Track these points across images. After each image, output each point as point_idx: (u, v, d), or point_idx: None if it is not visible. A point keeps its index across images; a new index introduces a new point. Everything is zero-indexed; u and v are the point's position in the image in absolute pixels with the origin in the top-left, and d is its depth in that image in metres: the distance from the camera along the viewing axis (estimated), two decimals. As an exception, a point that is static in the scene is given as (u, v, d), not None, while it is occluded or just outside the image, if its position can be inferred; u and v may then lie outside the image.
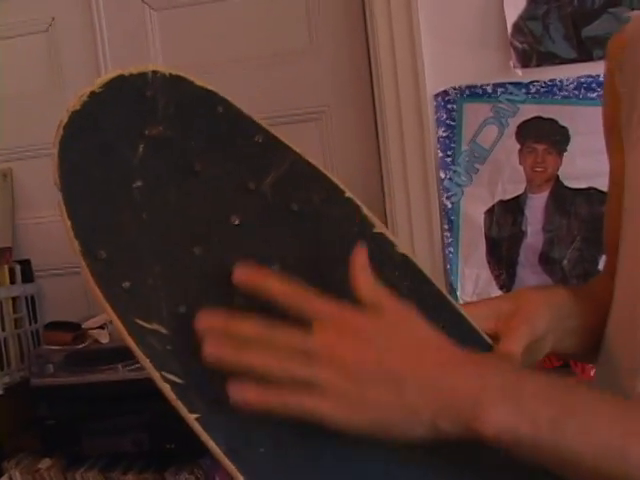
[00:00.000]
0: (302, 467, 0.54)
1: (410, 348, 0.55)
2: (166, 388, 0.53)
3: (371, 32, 1.85)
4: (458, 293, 1.79)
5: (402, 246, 0.62)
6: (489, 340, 0.64)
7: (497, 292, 1.79)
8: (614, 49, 0.80)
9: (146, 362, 0.53)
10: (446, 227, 1.82)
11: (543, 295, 0.75)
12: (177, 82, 0.62)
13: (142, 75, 0.60)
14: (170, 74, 0.62)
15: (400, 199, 1.84)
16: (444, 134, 1.82)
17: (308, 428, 0.53)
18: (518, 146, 1.79)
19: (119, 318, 0.54)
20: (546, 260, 1.78)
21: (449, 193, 1.81)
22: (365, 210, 0.63)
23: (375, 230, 0.62)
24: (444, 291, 0.64)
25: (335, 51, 2.01)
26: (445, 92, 1.82)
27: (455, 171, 1.81)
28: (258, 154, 0.62)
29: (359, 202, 0.62)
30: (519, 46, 1.76)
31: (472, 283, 1.81)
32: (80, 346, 1.87)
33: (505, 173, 1.80)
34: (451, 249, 1.82)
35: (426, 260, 1.81)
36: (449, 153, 1.81)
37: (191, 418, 0.52)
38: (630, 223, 0.75)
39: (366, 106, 1.96)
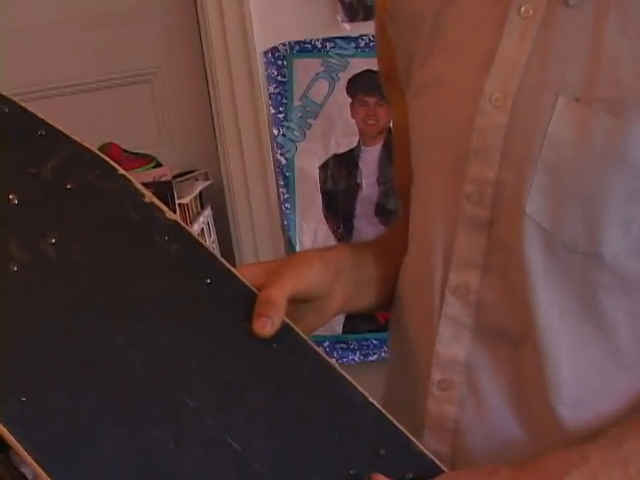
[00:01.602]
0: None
1: None
2: None
3: (198, -10, 1.82)
4: (297, 248, 1.80)
5: (170, 214, 0.66)
6: (255, 290, 0.64)
7: (336, 245, 1.80)
8: (382, 1, 0.80)
9: None
10: (282, 183, 1.82)
11: (316, 251, 0.75)
12: None
13: None
14: None
15: (234, 157, 1.82)
16: (275, 91, 1.81)
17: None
18: (350, 100, 1.80)
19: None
20: (382, 211, 1.81)
21: (283, 149, 1.81)
22: (136, 184, 0.67)
23: (145, 200, 0.66)
24: (214, 252, 0.67)
25: (163, 11, 1.96)
26: (275, 48, 1.81)
27: (288, 127, 1.81)
28: (40, 145, 0.68)
29: (130, 177, 0.67)
30: (346, 0, 1.77)
31: (310, 238, 1.82)
32: None
33: (338, 127, 1.81)
34: (288, 205, 1.82)
35: (264, 217, 1.81)
36: (281, 109, 1.81)
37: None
38: (418, 172, 0.76)
39: (197, 65, 1.93)
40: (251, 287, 0.64)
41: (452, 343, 0.70)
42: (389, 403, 0.77)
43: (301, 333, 0.63)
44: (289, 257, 0.75)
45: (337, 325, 1.88)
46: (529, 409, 0.68)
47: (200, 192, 1.78)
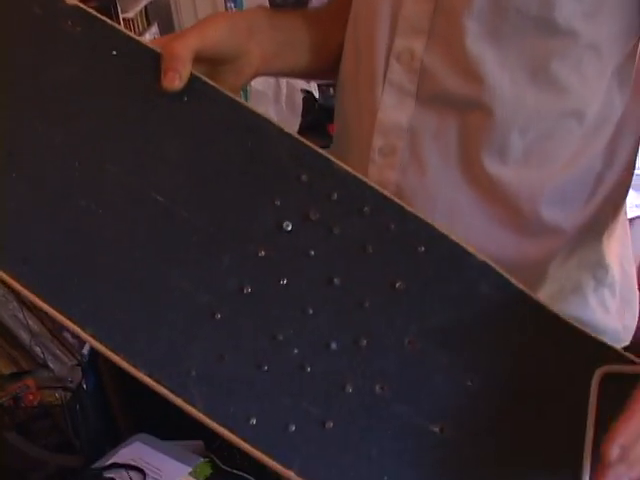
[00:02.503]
0: None
1: None
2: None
3: None
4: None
5: (70, 0, 0.64)
6: (159, 50, 0.63)
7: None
8: None
9: None
10: (230, -1, 1.78)
11: (225, 12, 0.73)
12: None
13: None
14: None
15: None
16: None
17: None
18: None
19: None
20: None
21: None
22: None
23: None
24: (116, 25, 0.66)
25: None
26: None
27: None
28: None
29: None
30: None
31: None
32: None
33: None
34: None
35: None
36: None
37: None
38: None
39: None
40: (155, 49, 0.63)
41: (395, 109, 0.70)
42: None
43: (211, 82, 0.63)
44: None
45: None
46: (473, 172, 0.69)
47: (146, 7, 1.74)
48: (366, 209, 0.61)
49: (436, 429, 0.59)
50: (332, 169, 0.62)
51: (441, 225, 0.62)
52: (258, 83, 1.75)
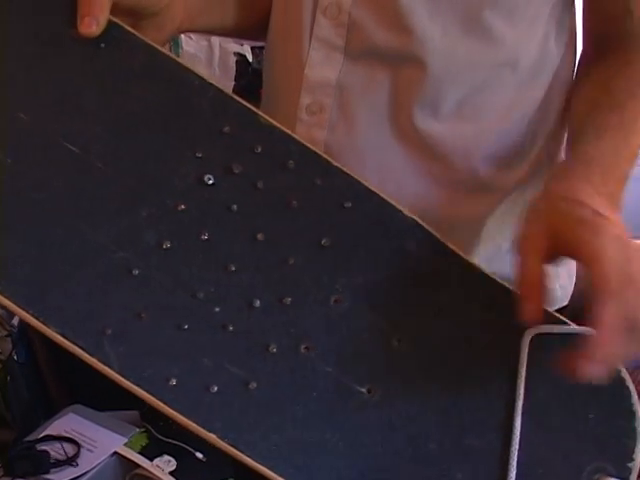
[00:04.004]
0: None
1: None
2: None
3: None
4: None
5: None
6: None
7: None
8: None
9: None
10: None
11: None
12: None
13: None
14: None
15: None
16: None
17: None
18: None
19: None
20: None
21: None
22: None
23: None
24: None
25: None
26: None
27: None
28: None
29: None
30: None
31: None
32: None
33: None
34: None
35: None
36: None
37: None
38: None
39: None
40: None
41: (323, 66, 0.68)
42: None
43: (131, 30, 0.60)
44: None
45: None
46: (404, 128, 0.68)
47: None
48: (291, 163, 0.59)
49: (363, 390, 0.58)
50: (256, 122, 0.60)
51: (369, 182, 0.60)
52: (190, 46, 1.72)
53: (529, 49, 0.68)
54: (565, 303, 0.80)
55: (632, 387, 0.58)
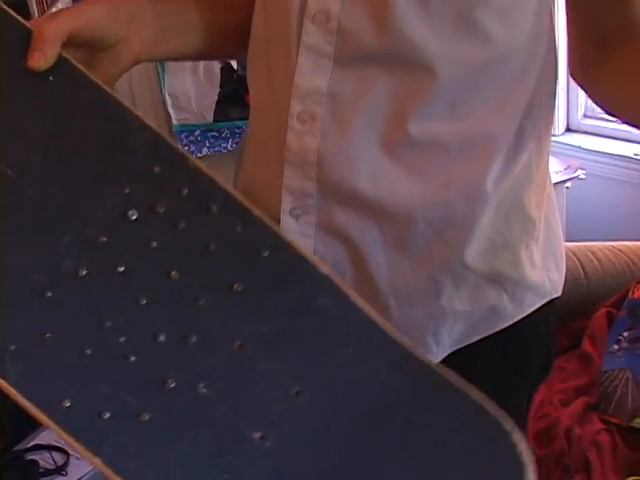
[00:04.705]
0: None
1: None
2: None
3: None
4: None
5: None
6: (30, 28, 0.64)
7: None
8: None
9: None
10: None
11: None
12: None
13: None
14: None
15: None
16: None
17: None
18: None
19: None
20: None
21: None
22: None
23: None
24: None
25: None
26: None
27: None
28: None
29: None
30: None
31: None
32: None
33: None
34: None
35: None
36: None
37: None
38: None
39: None
40: (29, 26, 0.64)
41: (312, 74, 0.68)
42: (252, 149, 0.79)
43: (80, 66, 0.64)
44: None
45: (208, 114, 1.88)
46: (397, 131, 0.69)
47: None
48: (214, 207, 0.61)
49: (256, 436, 0.59)
50: (185, 164, 0.62)
51: (288, 233, 0.62)
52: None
53: (519, 46, 0.69)
54: (558, 294, 0.81)
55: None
